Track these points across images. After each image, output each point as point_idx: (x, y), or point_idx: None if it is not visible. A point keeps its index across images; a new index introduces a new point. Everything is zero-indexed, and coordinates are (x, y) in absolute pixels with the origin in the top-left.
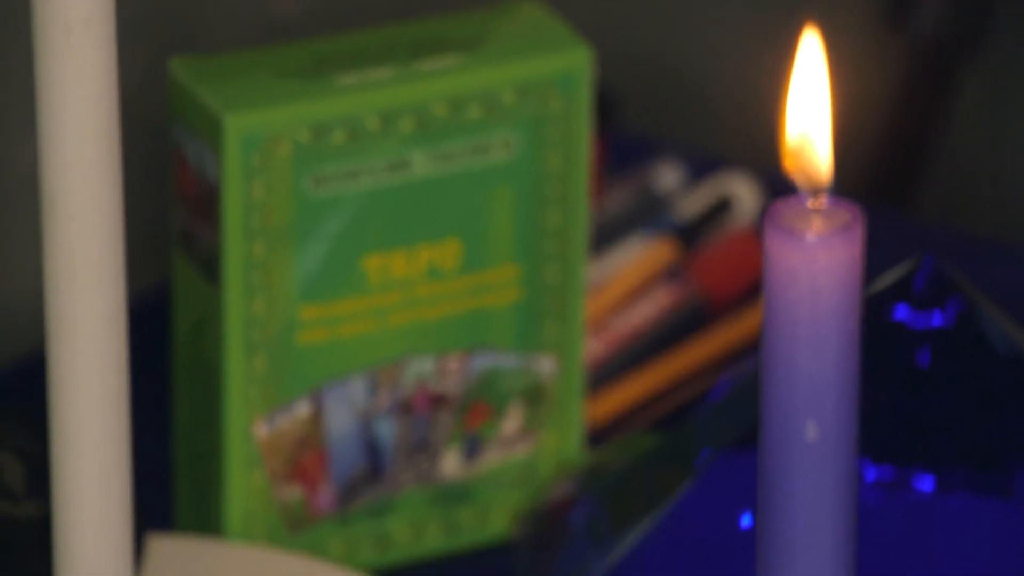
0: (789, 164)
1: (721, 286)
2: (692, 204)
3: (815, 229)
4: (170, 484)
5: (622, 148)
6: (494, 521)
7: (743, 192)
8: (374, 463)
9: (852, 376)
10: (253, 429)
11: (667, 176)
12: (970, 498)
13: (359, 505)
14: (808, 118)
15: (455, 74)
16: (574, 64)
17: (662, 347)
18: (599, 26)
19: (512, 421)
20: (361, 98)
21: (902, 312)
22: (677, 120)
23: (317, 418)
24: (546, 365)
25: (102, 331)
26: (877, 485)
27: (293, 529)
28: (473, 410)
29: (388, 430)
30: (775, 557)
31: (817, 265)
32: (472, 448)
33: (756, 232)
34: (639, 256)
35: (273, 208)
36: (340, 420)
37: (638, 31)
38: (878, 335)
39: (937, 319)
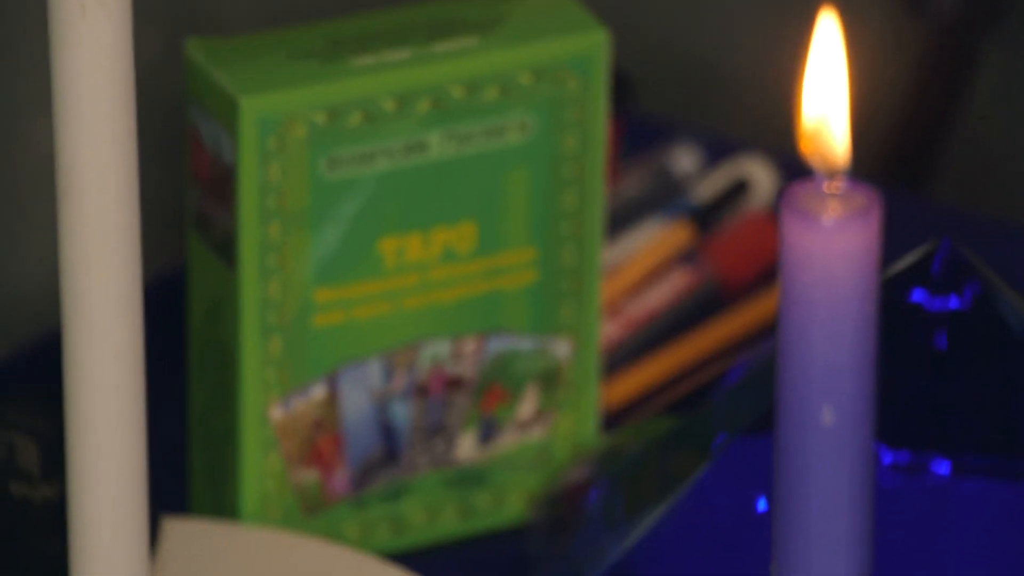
0: (806, 147)
1: (737, 269)
2: (708, 187)
3: (831, 213)
4: (186, 467)
5: (638, 131)
6: (510, 504)
7: (760, 175)
8: (390, 446)
9: (868, 360)
10: (269, 412)
11: (683, 159)
12: (986, 481)
13: (375, 488)
14: (825, 101)
15: (471, 56)
16: (590, 46)
17: (678, 330)
18: (615, 8)
19: (528, 404)
20: (377, 80)
21: (919, 295)
22: (693, 103)
23: (333, 401)
24: (562, 348)
25: (117, 312)
26: (893, 468)
27: (309, 512)
28: (489, 393)
29: (404, 413)
30: (791, 541)
31: (833, 249)
32: (488, 431)
33: (772, 215)
34: (655, 239)
35: (289, 190)
36: (356, 403)
37: (654, 13)
38: (895, 318)
39: (954, 302)
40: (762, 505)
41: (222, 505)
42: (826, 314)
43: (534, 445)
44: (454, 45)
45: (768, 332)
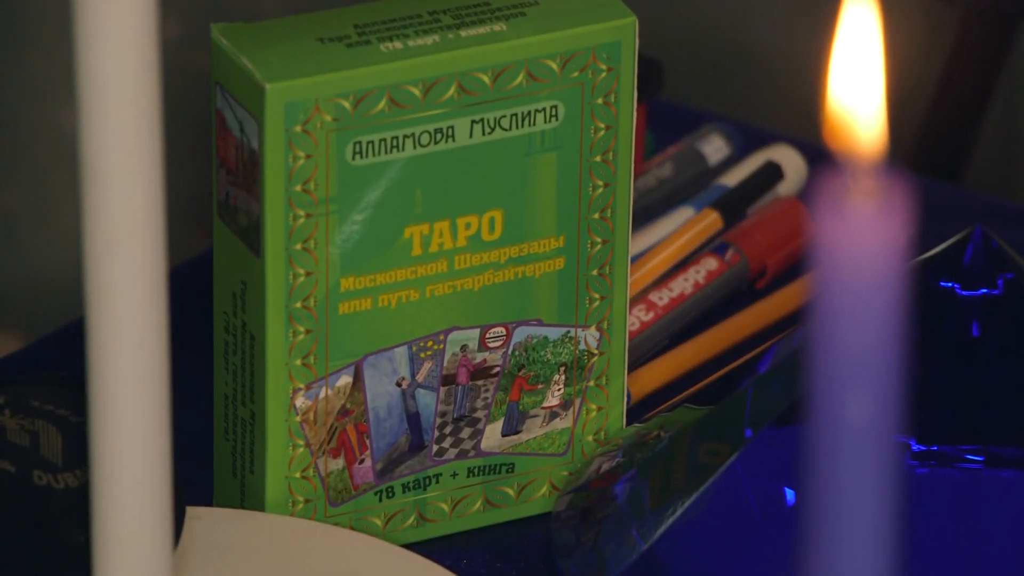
0: (837, 137)
1: (767, 257)
2: (738, 174)
3: (863, 202)
4: (210, 456)
5: (667, 118)
6: (536, 494)
7: (790, 164)
8: (415, 436)
9: (899, 352)
10: (294, 400)
11: (713, 146)
12: (1020, 472)
13: (400, 478)
14: (858, 89)
15: (499, 42)
16: (619, 32)
17: (707, 318)
18: None
19: (554, 393)
20: (404, 66)
21: (951, 284)
22: (723, 91)
23: (358, 389)
24: (589, 337)
25: (142, 299)
26: (925, 456)
27: (333, 502)
28: (515, 382)
29: (430, 402)
30: (818, 533)
31: (865, 239)
32: (514, 420)
33: (803, 204)
34: (684, 226)
35: (315, 177)
36: (381, 391)
37: (684, 1)
38: (928, 306)
39: (987, 290)
40: (790, 496)
41: (246, 494)
42: (857, 304)
43: (561, 434)
44: (482, 31)
45: (798, 321)
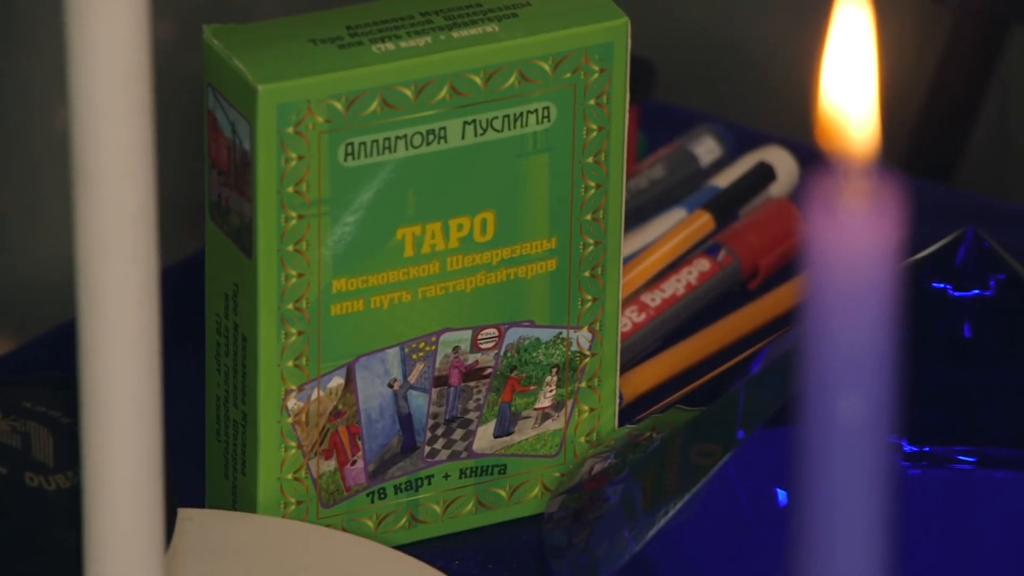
0: (829, 137)
1: (759, 258)
2: (730, 175)
3: (855, 203)
4: (202, 457)
5: (659, 119)
6: (528, 495)
7: (782, 165)
8: (407, 437)
9: (891, 352)
10: (285, 402)
11: (705, 147)
12: (1013, 472)
13: (392, 479)
14: (850, 90)
15: (491, 43)
16: (611, 33)
17: (699, 319)
18: None
19: (546, 394)
20: (396, 67)
21: (943, 284)
22: (716, 91)
23: (350, 391)
24: (581, 338)
25: (134, 301)
26: (917, 457)
27: (325, 503)
28: (507, 383)
29: (422, 404)
30: (811, 534)
31: (857, 240)
32: (506, 422)
33: (795, 205)
34: (676, 228)
35: (307, 178)
36: (373, 393)
37: (677, 1)
38: (920, 306)
39: (979, 291)
40: (782, 497)
41: (238, 496)
42: (848, 307)
43: (553, 436)
44: (474, 32)
45: (790, 322)
